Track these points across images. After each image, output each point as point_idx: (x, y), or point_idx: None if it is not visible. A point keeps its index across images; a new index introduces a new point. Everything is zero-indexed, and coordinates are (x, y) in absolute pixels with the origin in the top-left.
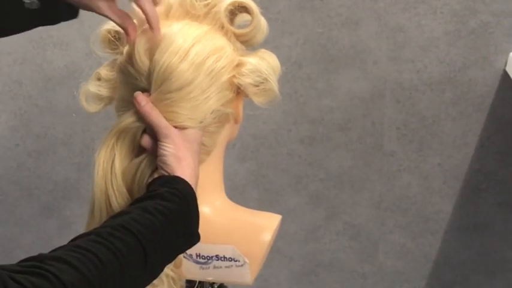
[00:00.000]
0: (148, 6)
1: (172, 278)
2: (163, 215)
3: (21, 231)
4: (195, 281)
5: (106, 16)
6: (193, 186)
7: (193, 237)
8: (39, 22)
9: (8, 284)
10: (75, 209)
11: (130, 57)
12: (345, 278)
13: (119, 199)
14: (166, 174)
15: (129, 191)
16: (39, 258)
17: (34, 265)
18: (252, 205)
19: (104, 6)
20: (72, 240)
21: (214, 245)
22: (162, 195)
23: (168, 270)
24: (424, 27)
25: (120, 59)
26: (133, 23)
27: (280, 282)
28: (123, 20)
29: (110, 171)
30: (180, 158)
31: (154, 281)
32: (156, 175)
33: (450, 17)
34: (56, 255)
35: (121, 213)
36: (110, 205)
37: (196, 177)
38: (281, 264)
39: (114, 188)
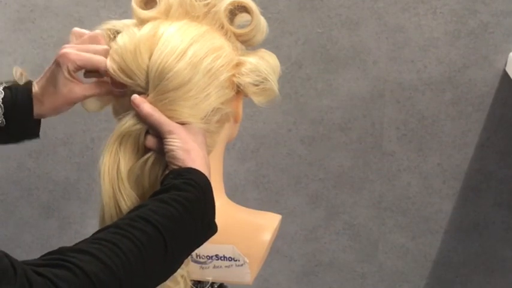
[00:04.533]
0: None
1: (186, 279)
2: (181, 204)
3: (21, 231)
4: (201, 281)
5: (88, 96)
6: (206, 175)
7: (211, 227)
8: (3, 140)
9: (31, 277)
10: (75, 209)
11: (129, 57)
12: (344, 277)
13: (128, 202)
14: (177, 168)
15: (140, 193)
16: (61, 251)
17: (56, 258)
18: (252, 205)
19: (78, 90)
20: (93, 235)
21: (214, 245)
22: (177, 186)
23: (182, 271)
24: (424, 27)
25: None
26: (108, 83)
27: (280, 282)
28: (101, 87)
29: (116, 176)
30: (188, 150)
31: (171, 284)
32: (167, 171)
33: (450, 17)
34: (77, 247)
35: (138, 207)
36: (120, 209)
37: (208, 166)
38: (281, 264)
39: (122, 192)
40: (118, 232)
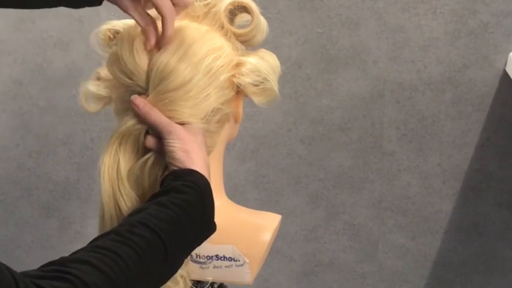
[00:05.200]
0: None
1: (185, 278)
2: (180, 207)
3: (21, 231)
4: (202, 281)
5: (131, 16)
6: (206, 176)
7: (210, 227)
8: (64, 2)
9: None
10: (75, 209)
11: (128, 57)
12: (344, 277)
13: (127, 203)
14: (177, 169)
15: (140, 193)
16: (61, 261)
17: (56, 269)
18: (252, 205)
19: (129, 6)
20: (91, 242)
21: (214, 245)
22: (176, 188)
23: (182, 271)
24: (424, 27)
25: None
26: (156, 29)
27: (280, 282)
28: (147, 23)
29: (116, 176)
30: (188, 151)
31: (170, 284)
32: (167, 172)
33: (450, 17)
34: (77, 258)
35: (138, 211)
36: (120, 209)
37: (208, 167)
38: (281, 264)
39: (122, 192)
40: (117, 239)
